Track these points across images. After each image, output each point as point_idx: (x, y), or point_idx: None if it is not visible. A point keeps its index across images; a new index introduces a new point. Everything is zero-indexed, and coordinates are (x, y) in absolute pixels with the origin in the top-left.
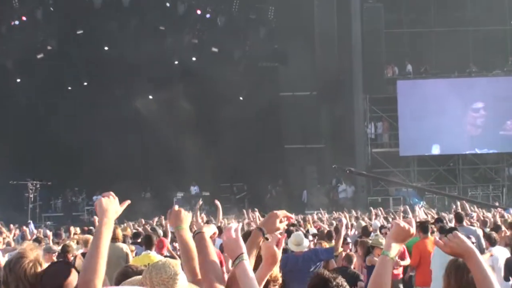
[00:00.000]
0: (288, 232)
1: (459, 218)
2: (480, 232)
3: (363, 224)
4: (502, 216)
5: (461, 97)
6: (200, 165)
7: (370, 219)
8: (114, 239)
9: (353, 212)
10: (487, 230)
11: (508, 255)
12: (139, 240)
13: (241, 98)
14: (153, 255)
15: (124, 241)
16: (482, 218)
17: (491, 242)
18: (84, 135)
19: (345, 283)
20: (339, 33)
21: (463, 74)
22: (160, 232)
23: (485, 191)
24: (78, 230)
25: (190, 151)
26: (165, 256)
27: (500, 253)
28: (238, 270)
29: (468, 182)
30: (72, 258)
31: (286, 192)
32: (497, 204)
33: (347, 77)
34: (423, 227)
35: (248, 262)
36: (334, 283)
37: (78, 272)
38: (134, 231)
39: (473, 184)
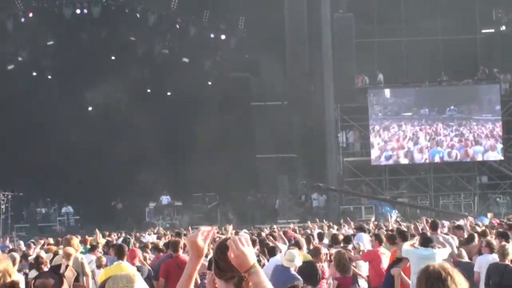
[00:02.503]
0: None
1: (434, 226)
2: (452, 241)
3: (333, 232)
4: (472, 224)
5: (432, 106)
6: (172, 175)
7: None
8: None
9: (324, 221)
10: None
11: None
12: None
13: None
14: (125, 265)
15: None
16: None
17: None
18: (55, 146)
19: None
20: (309, 42)
21: (434, 83)
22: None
23: (457, 199)
24: (51, 240)
25: (162, 160)
26: (137, 266)
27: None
28: (254, 280)
29: (440, 190)
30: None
31: (258, 202)
32: (471, 213)
33: (318, 86)
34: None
35: (261, 270)
36: None
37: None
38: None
39: (444, 192)
